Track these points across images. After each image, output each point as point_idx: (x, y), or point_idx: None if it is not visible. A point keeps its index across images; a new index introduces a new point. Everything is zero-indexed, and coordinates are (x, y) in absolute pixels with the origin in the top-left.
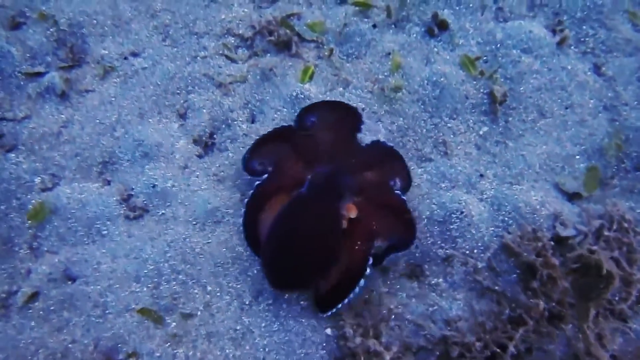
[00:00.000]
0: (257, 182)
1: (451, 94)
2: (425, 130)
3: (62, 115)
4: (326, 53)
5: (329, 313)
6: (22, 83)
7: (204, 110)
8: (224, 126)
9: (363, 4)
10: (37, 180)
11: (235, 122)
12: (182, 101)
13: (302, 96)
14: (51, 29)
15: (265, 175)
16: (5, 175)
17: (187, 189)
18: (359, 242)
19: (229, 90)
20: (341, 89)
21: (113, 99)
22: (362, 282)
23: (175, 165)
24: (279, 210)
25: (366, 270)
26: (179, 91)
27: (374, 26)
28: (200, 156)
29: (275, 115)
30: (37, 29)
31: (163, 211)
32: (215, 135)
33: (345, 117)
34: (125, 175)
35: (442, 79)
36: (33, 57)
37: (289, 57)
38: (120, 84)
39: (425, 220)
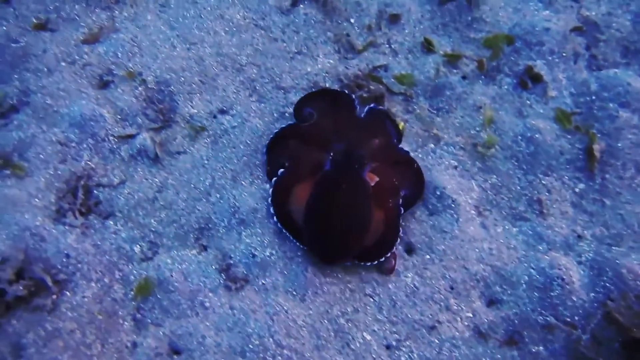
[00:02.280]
0: (275, 178)
1: (546, 150)
2: (519, 187)
3: (156, 180)
4: (418, 110)
5: (380, 260)
6: (114, 146)
7: None
8: None
9: (453, 55)
10: (137, 249)
11: None
12: None
13: None
14: (139, 88)
15: (282, 170)
16: (106, 247)
17: (284, 256)
18: (390, 200)
19: None
20: (432, 145)
21: (206, 161)
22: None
23: (271, 231)
24: (311, 193)
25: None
26: None
27: (464, 77)
28: None
29: None
30: (126, 87)
31: (263, 281)
32: None
33: (338, 99)
34: (222, 242)
35: (536, 135)
36: (124, 118)
37: None
38: (211, 144)
39: (524, 285)
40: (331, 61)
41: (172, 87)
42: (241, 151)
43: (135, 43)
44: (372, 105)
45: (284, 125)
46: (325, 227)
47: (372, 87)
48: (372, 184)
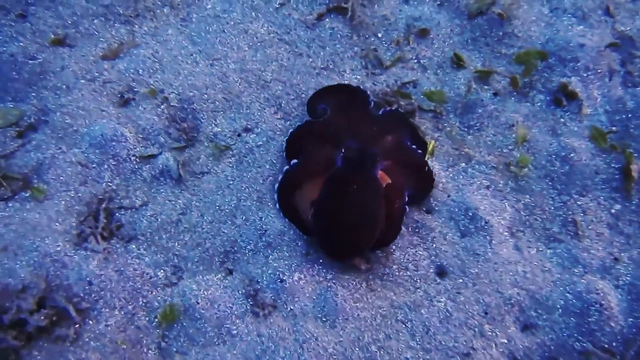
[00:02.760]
0: (287, 168)
1: (580, 169)
2: (553, 208)
3: (180, 201)
4: (448, 128)
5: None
6: (136, 167)
7: None
8: None
9: (484, 71)
10: (161, 274)
11: None
12: None
13: None
14: (161, 106)
15: (294, 162)
16: (129, 272)
17: (313, 280)
18: (397, 201)
19: None
20: (463, 164)
21: (230, 182)
22: None
23: (298, 254)
24: (321, 189)
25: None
26: None
27: (495, 94)
28: None
29: None
30: (147, 105)
31: (292, 307)
32: None
33: (352, 95)
34: (249, 266)
35: (571, 154)
36: (145, 137)
37: None
38: (236, 164)
39: (560, 310)
40: (358, 77)
41: (195, 105)
42: (267, 171)
43: (156, 59)
44: (390, 108)
45: (299, 124)
46: (335, 225)
47: (402, 103)
48: (384, 184)
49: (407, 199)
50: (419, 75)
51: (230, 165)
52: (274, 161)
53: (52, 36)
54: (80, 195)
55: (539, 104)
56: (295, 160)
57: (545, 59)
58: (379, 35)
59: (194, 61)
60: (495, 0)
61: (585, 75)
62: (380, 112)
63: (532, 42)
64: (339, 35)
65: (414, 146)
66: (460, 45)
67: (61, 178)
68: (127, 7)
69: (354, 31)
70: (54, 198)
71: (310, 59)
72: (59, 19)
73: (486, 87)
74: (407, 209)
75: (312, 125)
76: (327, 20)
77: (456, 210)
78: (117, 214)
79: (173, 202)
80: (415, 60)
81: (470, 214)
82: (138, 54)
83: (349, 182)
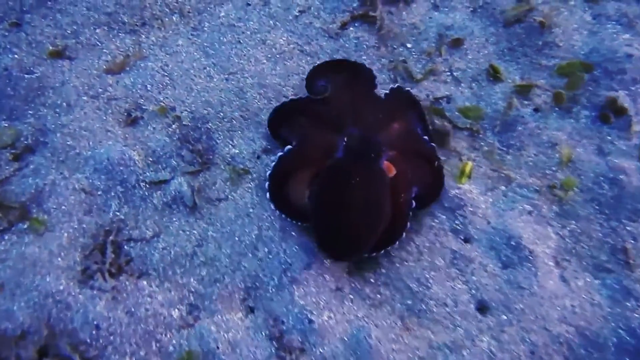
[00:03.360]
0: (280, 154)
1: (630, 192)
2: (601, 235)
3: (195, 231)
4: (486, 148)
5: (373, 254)
6: (146, 194)
7: None
8: None
9: (524, 85)
10: (175, 313)
11: None
12: None
13: (463, 200)
14: (173, 125)
15: (288, 148)
16: (141, 313)
17: (344, 319)
18: (402, 195)
19: None
20: (503, 187)
21: (250, 209)
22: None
23: (327, 289)
24: (319, 181)
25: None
26: None
27: (536, 110)
28: (349, 273)
29: (433, 223)
30: (157, 125)
31: (321, 350)
32: None
33: (356, 73)
34: (272, 304)
35: (620, 176)
36: (156, 161)
37: (440, 149)
38: (256, 189)
39: (613, 348)
40: (387, 91)
41: (210, 124)
42: None
43: (166, 73)
44: (396, 85)
45: (295, 97)
46: (334, 221)
47: (436, 121)
48: (390, 176)
49: (413, 193)
50: (452, 89)
51: (250, 190)
52: None
53: (50, 47)
54: (84, 226)
55: (583, 120)
56: (289, 147)
57: (590, 71)
58: (408, 45)
59: (208, 75)
60: (533, 6)
61: (633, 88)
62: (387, 92)
63: (575, 53)
64: (364, 46)
65: (425, 137)
66: (496, 55)
67: (63, 207)
68: (132, 15)
69: (381, 41)
70: (55, 230)
71: None
72: (57, 28)
73: (526, 102)
74: (414, 204)
75: (311, 104)
76: (351, 29)
77: (497, 238)
78: (126, 247)
79: (187, 233)
80: (448, 73)
81: (513, 243)
82: (146, 67)
83: (351, 174)
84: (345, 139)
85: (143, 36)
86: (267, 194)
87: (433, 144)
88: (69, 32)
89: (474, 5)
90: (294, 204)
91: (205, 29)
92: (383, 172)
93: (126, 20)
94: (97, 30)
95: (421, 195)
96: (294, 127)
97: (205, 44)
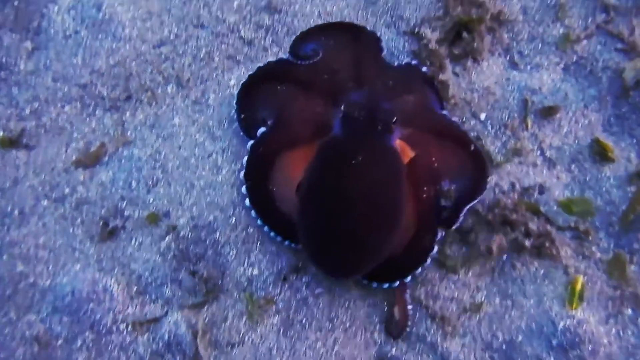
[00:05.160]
0: (252, 142)
1: None
2: None
3: None
4: (599, 255)
5: (396, 284)
6: (128, 340)
7: None
8: None
9: None
10: None
11: None
12: None
13: (578, 335)
14: (167, 238)
15: (263, 130)
16: None
17: None
18: (425, 188)
19: None
20: (629, 311)
21: (277, 357)
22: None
23: None
24: (309, 166)
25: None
26: None
27: None
28: None
29: None
30: (145, 239)
31: None
32: None
33: (356, 35)
34: None
35: None
36: (142, 291)
37: (536, 259)
38: (283, 325)
39: None
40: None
41: (218, 235)
42: (329, 335)
43: (157, 163)
44: (410, 61)
45: (270, 61)
46: (332, 224)
47: (530, 224)
48: (407, 160)
49: (446, 195)
50: (545, 174)
51: (275, 329)
52: (344, 318)
53: (1, 133)
54: None
55: None
56: (263, 129)
57: None
58: (482, 116)
59: (215, 166)
60: None
61: None
62: (401, 64)
63: None
64: None
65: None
66: (601, 127)
67: None
68: (113, 86)
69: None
70: None
71: None
72: (11, 106)
73: None
74: (445, 203)
75: (293, 68)
76: None
77: None
78: None
79: None
80: (538, 152)
81: None
82: (130, 157)
83: (352, 155)
84: (343, 107)
85: (127, 114)
86: (246, 192)
87: (458, 124)
88: (27, 111)
89: (566, 61)
90: (283, 210)
91: (210, 102)
92: (396, 152)
93: (105, 94)
94: (66, 108)
95: (457, 191)
96: (270, 101)
97: (210, 123)
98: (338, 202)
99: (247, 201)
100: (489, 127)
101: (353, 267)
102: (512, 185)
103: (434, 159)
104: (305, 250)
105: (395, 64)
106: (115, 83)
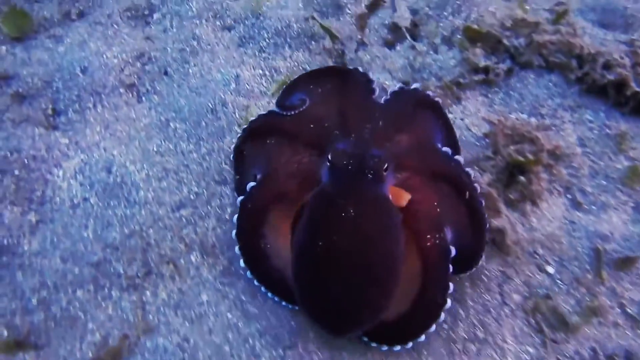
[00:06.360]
0: (241, 198)
1: None
2: None
3: None
4: None
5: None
6: None
7: None
8: None
9: None
10: None
11: None
12: None
13: None
14: None
15: (251, 185)
16: None
17: None
18: (428, 236)
19: None
20: None
21: None
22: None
23: None
24: (300, 224)
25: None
26: None
27: None
28: None
29: None
30: None
31: None
32: None
33: (344, 79)
34: None
35: None
36: None
37: None
38: None
39: None
40: (530, 349)
41: None
42: None
43: (186, 354)
44: (401, 86)
45: (259, 115)
46: (325, 280)
47: None
48: (403, 204)
49: (448, 237)
50: (631, 335)
51: None
52: None
53: (5, 333)
54: None
55: None
56: (253, 183)
57: None
58: (550, 270)
59: (252, 353)
60: None
61: None
62: (389, 96)
63: None
64: (485, 277)
65: (447, 149)
66: None
67: None
68: (130, 260)
69: (506, 264)
70: None
71: None
72: (15, 298)
73: None
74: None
75: (278, 120)
76: None
77: None
78: None
79: None
80: (620, 311)
81: None
82: (155, 350)
83: (341, 208)
84: (329, 157)
85: (148, 293)
86: (240, 252)
87: (459, 159)
88: (34, 302)
89: (636, 199)
90: (278, 267)
91: (241, 271)
92: (388, 200)
93: (122, 271)
94: (78, 293)
95: (455, 242)
96: (259, 156)
97: (242, 298)
98: (329, 259)
99: (241, 262)
100: (559, 283)
101: (351, 324)
102: (594, 351)
103: (435, 203)
104: (302, 306)
105: (389, 90)
106: (131, 257)
